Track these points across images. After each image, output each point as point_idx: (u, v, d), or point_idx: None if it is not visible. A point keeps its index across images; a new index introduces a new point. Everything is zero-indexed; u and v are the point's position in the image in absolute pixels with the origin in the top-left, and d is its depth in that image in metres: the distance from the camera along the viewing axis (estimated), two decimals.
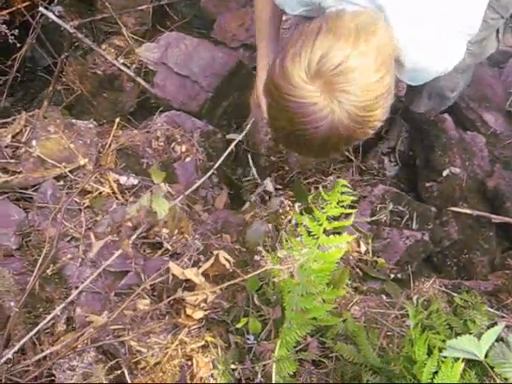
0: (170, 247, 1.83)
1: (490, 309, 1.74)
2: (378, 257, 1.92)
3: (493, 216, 2.17)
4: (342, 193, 1.53)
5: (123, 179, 2.03)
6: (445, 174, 2.24)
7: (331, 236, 1.52)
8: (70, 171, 2.01)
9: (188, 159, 2.11)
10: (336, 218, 1.75)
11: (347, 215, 1.68)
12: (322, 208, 1.52)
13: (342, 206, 1.52)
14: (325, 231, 1.52)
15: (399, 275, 1.95)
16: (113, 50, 2.67)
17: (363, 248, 1.87)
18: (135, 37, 2.68)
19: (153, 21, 2.79)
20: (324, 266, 1.47)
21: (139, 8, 2.66)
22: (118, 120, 2.24)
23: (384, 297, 1.80)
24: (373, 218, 1.99)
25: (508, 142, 2.46)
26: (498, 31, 1.99)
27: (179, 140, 2.12)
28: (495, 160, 2.37)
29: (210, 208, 2.12)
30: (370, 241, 1.90)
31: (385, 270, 1.88)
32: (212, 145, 2.31)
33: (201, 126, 2.33)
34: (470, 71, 2.14)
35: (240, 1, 2.92)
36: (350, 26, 1.46)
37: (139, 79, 2.49)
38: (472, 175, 2.27)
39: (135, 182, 2.02)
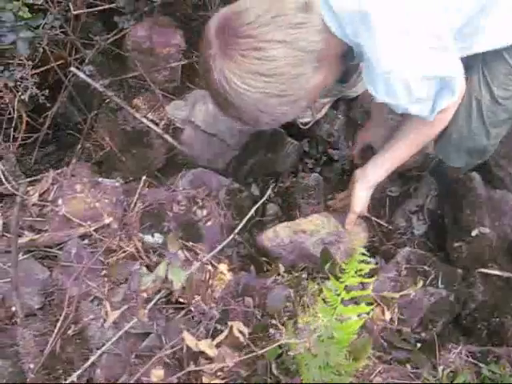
0: (192, 308, 1.82)
1: None
2: (402, 319, 1.87)
3: None
4: (361, 261, 1.50)
5: (148, 238, 2.03)
6: (474, 233, 2.19)
7: (350, 306, 1.49)
8: (95, 230, 2.02)
9: (209, 223, 2.10)
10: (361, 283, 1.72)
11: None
12: (340, 277, 1.50)
13: (360, 275, 1.49)
14: (342, 301, 1.49)
15: (423, 334, 1.90)
16: (143, 106, 2.70)
17: (388, 316, 1.82)
18: (164, 93, 2.71)
19: (182, 77, 2.82)
20: (342, 336, 1.43)
21: (168, 65, 2.69)
22: (144, 178, 2.25)
23: (408, 367, 1.74)
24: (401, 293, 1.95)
25: None
26: None
27: (200, 204, 2.12)
28: None
29: (235, 267, 2.10)
30: (395, 309, 1.85)
31: (410, 338, 1.83)
32: (238, 203, 2.30)
33: (227, 184, 2.33)
34: (508, 125, 2.10)
35: None
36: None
37: (167, 136, 2.51)
38: (502, 235, 2.22)
39: (160, 241, 2.02)
